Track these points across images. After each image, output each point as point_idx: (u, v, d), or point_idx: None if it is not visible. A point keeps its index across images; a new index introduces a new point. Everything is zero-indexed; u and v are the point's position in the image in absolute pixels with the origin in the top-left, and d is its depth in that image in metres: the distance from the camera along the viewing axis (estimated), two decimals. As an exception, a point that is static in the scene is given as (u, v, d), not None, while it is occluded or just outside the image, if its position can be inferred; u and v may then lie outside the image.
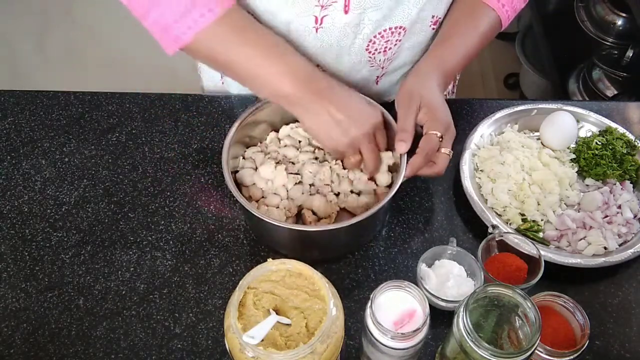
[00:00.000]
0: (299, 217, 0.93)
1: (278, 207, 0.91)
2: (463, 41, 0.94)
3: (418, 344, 0.72)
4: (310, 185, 0.93)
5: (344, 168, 0.93)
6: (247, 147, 0.97)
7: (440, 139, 0.87)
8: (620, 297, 0.90)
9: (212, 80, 1.17)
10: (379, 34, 0.94)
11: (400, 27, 0.94)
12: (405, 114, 0.88)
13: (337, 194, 0.93)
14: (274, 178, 0.92)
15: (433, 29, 0.98)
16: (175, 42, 0.82)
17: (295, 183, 0.92)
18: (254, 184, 0.92)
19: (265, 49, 0.84)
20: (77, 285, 0.89)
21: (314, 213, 0.92)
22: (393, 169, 0.93)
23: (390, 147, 0.92)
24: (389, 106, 0.93)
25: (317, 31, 0.92)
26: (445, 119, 0.88)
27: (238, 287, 0.67)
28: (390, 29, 0.94)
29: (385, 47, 0.97)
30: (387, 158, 0.92)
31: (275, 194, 0.92)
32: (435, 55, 0.94)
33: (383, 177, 0.92)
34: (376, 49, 0.96)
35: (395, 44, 0.97)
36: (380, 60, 0.99)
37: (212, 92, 1.18)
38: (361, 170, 0.93)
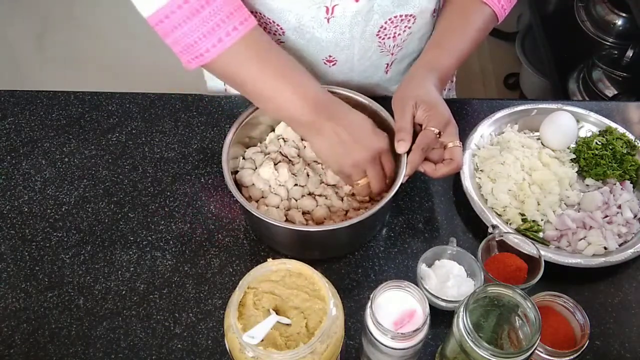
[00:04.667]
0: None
1: (278, 207, 0.91)
2: (456, 43, 0.95)
3: (418, 344, 0.72)
4: (303, 186, 0.93)
5: (353, 194, 0.92)
6: (247, 147, 0.97)
7: (438, 135, 0.87)
8: (620, 297, 0.90)
9: (216, 87, 1.17)
10: (390, 20, 0.95)
11: (410, 15, 0.96)
12: (401, 114, 0.88)
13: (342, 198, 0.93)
14: (273, 178, 0.92)
15: (434, 16, 1.00)
16: (197, 59, 0.83)
17: (295, 184, 0.92)
18: (253, 184, 0.92)
19: (282, 72, 0.85)
20: (77, 285, 0.89)
21: (305, 213, 0.92)
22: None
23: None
24: (388, 100, 0.93)
25: (328, 21, 0.93)
26: (444, 115, 0.88)
27: (238, 287, 0.67)
28: (400, 16, 0.95)
29: (395, 33, 0.98)
30: None
31: (275, 194, 0.92)
32: (429, 59, 0.94)
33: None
34: (386, 35, 0.98)
35: (405, 31, 0.98)
36: (389, 46, 1.00)
37: (212, 92, 1.18)
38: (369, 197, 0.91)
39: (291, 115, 0.85)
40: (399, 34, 0.99)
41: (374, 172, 0.87)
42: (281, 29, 0.96)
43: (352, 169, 0.86)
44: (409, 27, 0.98)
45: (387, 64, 1.05)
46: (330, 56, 0.99)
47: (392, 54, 1.03)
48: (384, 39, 0.98)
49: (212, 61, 0.83)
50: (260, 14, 0.95)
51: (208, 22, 0.80)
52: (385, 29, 0.96)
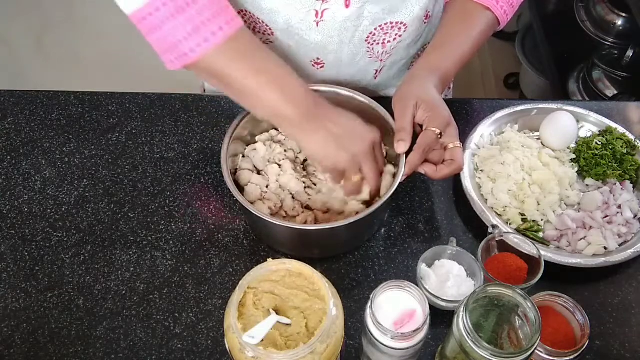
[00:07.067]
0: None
1: (276, 206, 0.90)
2: (458, 46, 0.95)
3: (418, 344, 0.72)
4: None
5: (345, 195, 0.89)
6: (247, 145, 0.97)
7: (439, 136, 0.87)
8: (620, 297, 0.90)
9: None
10: (379, 26, 0.95)
11: (401, 23, 0.95)
12: (402, 114, 0.88)
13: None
14: (273, 178, 0.92)
15: (425, 23, 1.00)
16: (181, 58, 0.80)
17: (297, 179, 0.92)
18: (252, 182, 0.92)
19: (270, 71, 0.82)
20: (77, 285, 0.89)
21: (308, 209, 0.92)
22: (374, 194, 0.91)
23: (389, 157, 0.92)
24: (386, 101, 0.93)
25: (317, 25, 0.93)
26: (445, 115, 0.88)
27: (238, 287, 0.67)
28: (391, 23, 0.95)
29: (384, 40, 0.98)
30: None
31: (274, 193, 0.92)
32: (430, 61, 0.94)
33: (354, 204, 0.90)
34: (375, 41, 0.97)
35: (395, 39, 0.98)
36: (378, 52, 1.00)
37: (212, 92, 1.19)
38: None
39: (283, 117, 0.83)
40: (389, 41, 0.98)
41: (370, 165, 0.85)
42: (270, 29, 0.96)
43: (348, 163, 0.84)
44: (400, 36, 0.98)
45: (376, 70, 1.04)
46: (318, 59, 0.99)
47: (381, 61, 1.02)
48: (372, 44, 0.98)
49: (197, 61, 0.80)
50: (250, 13, 0.95)
51: (193, 20, 0.78)
52: (374, 35, 0.96)
